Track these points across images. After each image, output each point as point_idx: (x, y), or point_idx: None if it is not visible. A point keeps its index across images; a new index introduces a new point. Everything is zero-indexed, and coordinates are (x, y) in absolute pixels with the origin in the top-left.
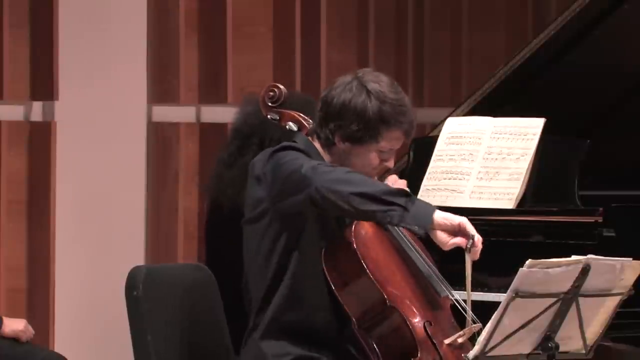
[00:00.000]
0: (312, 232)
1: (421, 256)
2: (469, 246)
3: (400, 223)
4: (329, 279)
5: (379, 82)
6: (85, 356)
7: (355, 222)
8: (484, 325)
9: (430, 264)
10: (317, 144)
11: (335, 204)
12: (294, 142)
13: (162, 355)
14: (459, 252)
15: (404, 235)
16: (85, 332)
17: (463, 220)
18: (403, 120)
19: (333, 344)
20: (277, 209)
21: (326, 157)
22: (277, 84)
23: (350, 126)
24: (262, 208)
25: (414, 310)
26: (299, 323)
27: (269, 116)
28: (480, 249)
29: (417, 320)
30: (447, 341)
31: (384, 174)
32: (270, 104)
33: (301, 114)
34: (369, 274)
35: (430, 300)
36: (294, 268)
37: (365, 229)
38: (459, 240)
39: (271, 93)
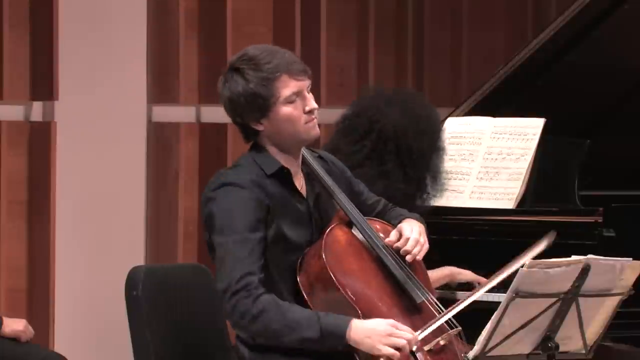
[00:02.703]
0: (284, 244)
1: (397, 261)
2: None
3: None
4: (302, 291)
5: (239, 56)
6: (85, 356)
7: (327, 233)
8: (482, 326)
9: (405, 266)
10: (269, 145)
11: None
12: (249, 156)
13: (161, 355)
14: (460, 252)
15: (377, 240)
16: (85, 332)
17: (375, 348)
18: (276, 64)
19: (321, 355)
20: None
21: (274, 150)
22: None
23: (249, 107)
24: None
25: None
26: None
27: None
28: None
29: None
30: (426, 347)
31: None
32: None
33: None
34: (341, 289)
35: (408, 307)
36: (268, 287)
37: (337, 239)
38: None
39: None
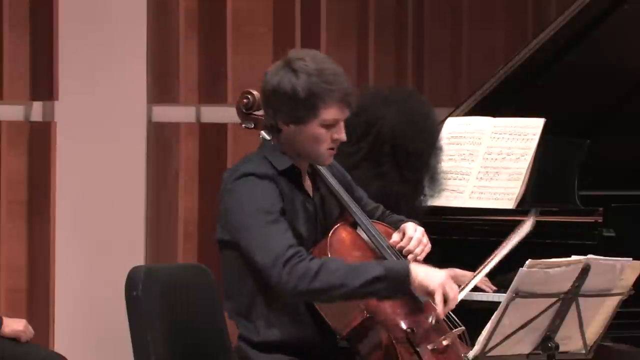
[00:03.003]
0: None
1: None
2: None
3: (385, 300)
4: None
5: (303, 57)
6: (85, 356)
7: (332, 233)
8: (482, 326)
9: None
10: (274, 140)
11: (317, 302)
12: (262, 151)
13: (161, 355)
14: (460, 252)
15: (382, 240)
16: (85, 332)
17: (437, 287)
18: (334, 89)
19: (325, 351)
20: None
21: (284, 148)
22: (251, 90)
23: (287, 108)
24: (229, 239)
25: (394, 318)
26: (285, 340)
27: (243, 125)
28: (445, 313)
29: (398, 330)
30: (430, 347)
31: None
32: (244, 111)
33: None
34: None
35: (412, 307)
36: (267, 289)
37: (341, 238)
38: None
39: (245, 100)
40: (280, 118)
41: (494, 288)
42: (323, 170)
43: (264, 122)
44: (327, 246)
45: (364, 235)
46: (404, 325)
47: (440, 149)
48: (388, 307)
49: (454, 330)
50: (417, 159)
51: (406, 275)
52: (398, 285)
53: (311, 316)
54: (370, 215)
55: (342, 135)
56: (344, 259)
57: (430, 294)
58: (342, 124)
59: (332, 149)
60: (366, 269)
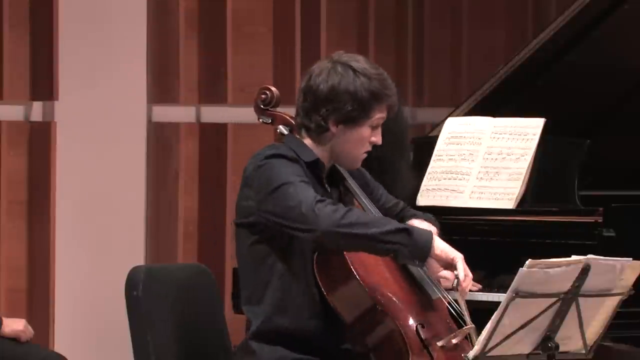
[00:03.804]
0: (303, 240)
1: None
2: (454, 285)
3: (403, 261)
4: (320, 284)
5: (358, 60)
6: (85, 356)
7: None
8: (482, 326)
9: (422, 266)
10: (307, 140)
11: (338, 245)
12: (285, 144)
13: (161, 355)
14: (460, 252)
15: None
16: (85, 332)
17: (457, 257)
18: (389, 93)
19: (328, 350)
20: (267, 224)
21: (318, 149)
22: (270, 87)
23: (345, 107)
24: (252, 220)
25: (406, 314)
26: (291, 328)
27: (260, 120)
28: (467, 288)
29: (409, 324)
30: (439, 343)
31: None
32: (262, 106)
33: (293, 116)
34: (359, 279)
35: (423, 303)
36: (284, 274)
37: None
38: (447, 275)
39: (263, 96)
40: (333, 117)
41: (479, 286)
42: (341, 168)
43: (283, 119)
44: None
45: None
46: (414, 320)
47: (408, 150)
48: (400, 302)
49: (464, 328)
50: (385, 164)
51: (429, 240)
52: (419, 248)
53: (323, 308)
54: (389, 212)
55: (380, 139)
56: (360, 254)
57: (452, 264)
58: (379, 127)
59: (366, 152)
60: (393, 221)
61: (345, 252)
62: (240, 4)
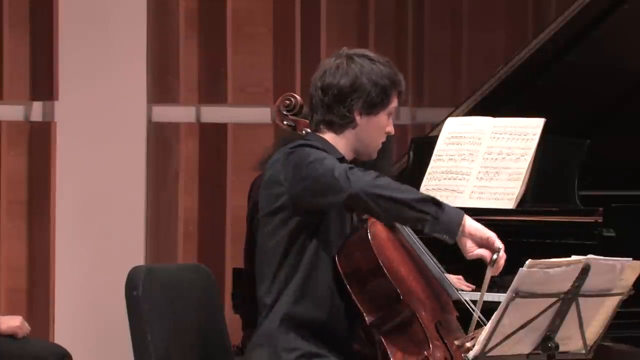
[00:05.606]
0: (329, 229)
1: (432, 259)
2: (493, 260)
3: (432, 232)
4: (342, 275)
5: (366, 51)
6: (85, 356)
7: (370, 222)
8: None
9: (440, 266)
10: (327, 135)
11: (369, 208)
12: (309, 140)
13: (161, 355)
14: (460, 252)
15: (416, 239)
16: (85, 331)
17: (492, 235)
18: (401, 79)
19: (342, 343)
20: (299, 205)
21: (340, 144)
22: (294, 94)
23: (370, 95)
24: (281, 203)
25: (427, 309)
26: (309, 318)
27: (285, 122)
28: (502, 265)
29: (429, 319)
30: (457, 342)
31: None
32: (285, 112)
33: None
34: (385, 270)
35: (442, 302)
36: (308, 264)
37: (380, 229)
38: (483, 252)
39: (287, 102)
40: (358, 106)
41: (472, 286)
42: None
43: (305, 124)
44: (367, 234)
45: (398, 233)
46: (433, 317)
47: (389, 150)
48: (422, 298)
49: (479, 329)
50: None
51: (460, 217)
52: (449, 223)
53: (341, 302)
54: None
55: (393, 129)
56: (385, 249)
57: (487, 242)
58: (391, 119)
59: (382, 141)
60: (425, 194)
61: (372, 245)
62: (240, 4)
